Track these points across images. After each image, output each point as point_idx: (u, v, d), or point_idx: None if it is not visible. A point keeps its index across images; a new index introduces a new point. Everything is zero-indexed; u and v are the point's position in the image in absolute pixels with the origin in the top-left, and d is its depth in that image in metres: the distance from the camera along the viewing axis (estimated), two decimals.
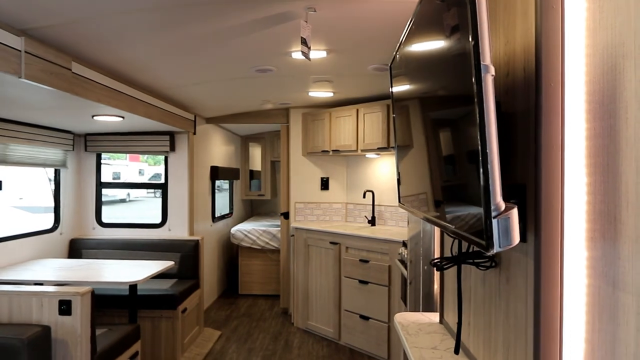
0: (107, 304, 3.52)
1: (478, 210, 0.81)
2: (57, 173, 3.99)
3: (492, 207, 0.76)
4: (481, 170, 0.76)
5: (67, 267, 3.32)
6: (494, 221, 0.76)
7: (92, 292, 2.33)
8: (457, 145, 1.06)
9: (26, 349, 2.02)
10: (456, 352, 1.24)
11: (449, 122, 1.16)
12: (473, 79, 0.78)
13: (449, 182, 1.16)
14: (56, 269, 3.23)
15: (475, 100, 0.77)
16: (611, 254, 0.81)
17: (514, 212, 0.80)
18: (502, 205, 0.79)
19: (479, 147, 0.76)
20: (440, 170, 1.21)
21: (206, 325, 4.46)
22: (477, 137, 0.78)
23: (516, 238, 0.80)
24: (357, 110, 4.12)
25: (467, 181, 0.96)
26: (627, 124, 0.77)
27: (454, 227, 0.98)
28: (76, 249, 4.08)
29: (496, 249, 0.77)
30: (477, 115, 0.76)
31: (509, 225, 0.79)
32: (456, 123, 1.03)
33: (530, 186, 0.98)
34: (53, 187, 4.04)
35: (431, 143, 1.29)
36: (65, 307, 2.23)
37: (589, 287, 0.89)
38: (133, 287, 3.22)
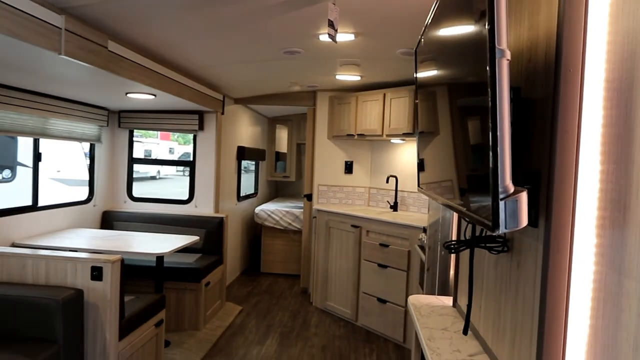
0: (134, 274, 3.70)
1: (485, 194, 0.83)
2: (92, 148, 4.17)
3: (500, 189, 0.78)
4: (490, 152, 0.78)
5: (100, 236, 3.49)
6: (501, 203, 0.78)
7: (122, 261, 2.46)
8: (473, 131, 1.07)
9: (61, 309, 2.17)
10: (465, 332, 1.27)
11: (470, 109, 1.17)
12: (487, 62, 0.79)
13: (466, 167, 1.17)
14: (89, 238, 3.40)
15: (489, 82, 0.78)
16: (619, 241, 0.82)
17: (523, 195, 0.82)
18: (511, 188, 0.81)
19: (490, 130, 0.78)
20: (458, 155, 1.22)
21: (228, 300, 4.62)
22: (489, 120, 0.79)
23: (524, 221, 0.82)
24: (384, 95, 4.10)
25: (479, 165, 0.97)
26: None
27: (465, 208, 1.00)
28: (108, 220, 4.28)
29: (502, 230, 0.79)
30: (490, 98, 0.77)
31: (517, 208, 0.80)
32: (475, 110, 1.05)
33: (545, 172, 0.99)
34: (88, 161, 4.22)
35: (453, 130, 1.30)
36: (96, 273, 2.36)
37: (596, 274, 0.90)
38: (160, 258, 3.37)
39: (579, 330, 0.93)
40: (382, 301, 3.82)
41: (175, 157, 23.41)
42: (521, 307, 1.11)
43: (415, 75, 1.83)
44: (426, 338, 1.42)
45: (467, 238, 1.27)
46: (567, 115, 0.93)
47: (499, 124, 0.78)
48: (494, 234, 1.16)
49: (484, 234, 1.25)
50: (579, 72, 0.93)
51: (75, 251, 2.93)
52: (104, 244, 3.23)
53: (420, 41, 1.65)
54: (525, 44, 1.14)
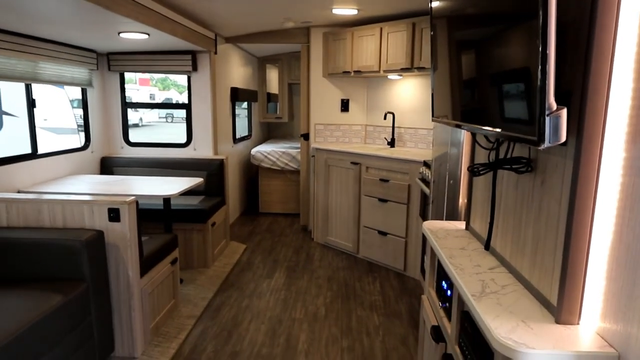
0: (143, 216, 3.76)
1: (529, 114, 0.88)
2: (84, 93, 4.06)
3: (547, 106, 0.84)
4: (539, 70, 0.83)
5: (103, 182, 3.51)
6: (547, 118, 0.84)
7: (137, 202, 2.50)
8: (513, 57, 1.10)
9: (85, 249, 2.24)
10: (487, 248, 1.38)
11: (503, 34, 1.20)
12: None
13: (491, 96, 1.22)
14: (93, 184, 3.42)
15: (540, 3, 0.81)
16: None
17: (564, 112, 0.88)
18: (555, 105, 0.86)
19: (540, 49, 0.82)
20: (487, 84, 1.26)
21: (231, 239, 4.76)
22: (537, 41, 0.83)
23: (564, 135, 0.89)
24: (381, 29, 4.02)
25: (518, 91, 1.02)
26: None
27: (500, 129, 1.06)
28: (107, 167, 4.27)
29: (546, 144, 0.85)
30: (541, 18, 0.81)
31: (559, 123, 0.86)
32: (512, 35, 1.07)
33: (577, 92, 1.04)
34: (77, 109, 4.13)
35: (480, 58, 1.33)
36: (114, 215, 2.42)
37: (622, 185, 0.98)
38: (167, 200, 3.43)
39: (603, 234, 1.03)
40: (383, 233, 4.00)
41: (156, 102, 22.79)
42: (545, 220, 1.21)
43: (430, 6, 1.81)
44: (447, 256, 1.54)
45: (491, 161, 1.34)
46: (604, 35, 0.96)
47: (549, 44, 0.82)
48: (520, 156, 1.23)
49: (507, 157, 1.33)
50: None
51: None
52: (110, 188, 3.25)
53: None
54: None
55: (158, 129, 18.68)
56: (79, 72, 3.84)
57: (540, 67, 0.83)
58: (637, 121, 0.94)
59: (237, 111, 5.63)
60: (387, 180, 3.88)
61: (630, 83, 0.96)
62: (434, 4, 1.77)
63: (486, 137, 1.53)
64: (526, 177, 1.32)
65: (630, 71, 0.96)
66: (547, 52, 0.82)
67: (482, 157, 1.71)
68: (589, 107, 1.00)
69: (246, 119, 6.39)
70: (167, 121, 22.14)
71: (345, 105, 4.81)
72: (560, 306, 1.09)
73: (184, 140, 4.52)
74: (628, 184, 0.96)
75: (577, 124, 1.03)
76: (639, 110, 0.93)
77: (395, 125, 4.50)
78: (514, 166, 1.27)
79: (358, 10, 3.83)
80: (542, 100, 0.84)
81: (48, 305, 1.98)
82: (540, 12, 0.81)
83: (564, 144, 1.10)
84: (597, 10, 0.96)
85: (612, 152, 1.00)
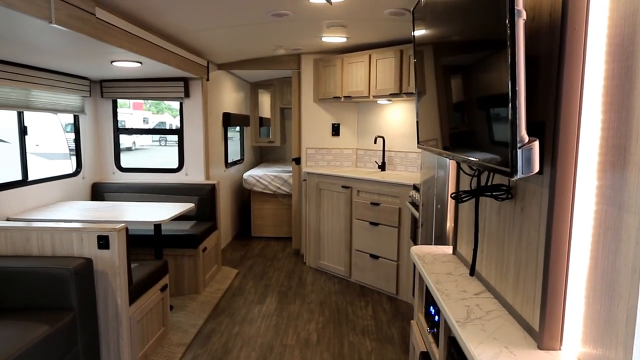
0: (133, 243, 3.73)
1: (504, 145, 0.92)
2: (76, 119, 4.09)
3: (518, 139, 0.87)
4: (510, 105, 0.87)
5: (94, 208, 3.50)
6: (519, 151, 0.87)
7: (127, 229, 2.50)
8: (486, 87, 1.15)
9: (73, 277, 2.22)
10: (471, 273, 1.40)
11: (477, 66, 1.25)
12: (507, 23, 0.86)
13: (470, 125, 1.26)
14: (84, 210, 3.41)
15: (508, 42, 0.85)
16: (619, 181, 0.93)
17: (536, 144, 0.92)
18: (526, 138, 0.90)
19: (509, 86, 0.86)
20: (464, 113, 1.31)
21: (223, 264, 4.73)
22: (507, 78, 0.87)
23: (536, 166, 0.92)
24: (370, 56, 4.12)
25: (493, 121, 1.06)
26: None
27: (479, 160, 1.09)
28: (98, 192, 4.26)
29: (519, 175, 0.88)
30: (509, 56, 0.85)
31: (531, 155, 0.90)
32: (486, 67, 1.12)
33: (549, 123, 1.09)
34: (69, 134, 4.15)
35: (457, 87, 1.38)
36: (103, 242, 2.41)
37: (596, 212, 1.01)
38: (158, 226, 3.42)
39: (580, 260, 1.06)
40: (375, 257, 4.00)
41: (149, 126, 22.85)
42: (525, 246, 1.23)
43: (413, 34, 1.88)
44: (434, 282, 1.55)
45: (473, 188, 1.37)
46: (572, 69, 1.01)
47: (517, 80, 0.86)
48: (500, 183, 1.26)
49: (488, 184, 1.36)
50: (583, 29, 1.01)
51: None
52: (100, 215, 3.25)
53: (419, 1, 1.69)
54: (528, 4, 1.21)
55: (151, 153, 18.68)
56: (72, 100, 3.87)
57: (510, 102, 0.87)
58: (607, 151, 0.98)
59: (230, 134, 5.67)
60: (378, 204, 3.91)
61: (599, 114, 1.01)
62: (417, 33, 1.83)
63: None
64: (507, 204, 1.35)
65: (599, 104, 1.00)
66: (517, 88, 0.86)
67: (467, 181, 1.75)
68: (561, 138, 1.04)
69: (238, 143, 6.44)
70: (160, 145, 22.17)
71: (336, 130, 4.88)
72: (542, 332, 1.10)
73: (177, 164, 4.54)
74: (601, 211, 1.00)
75: (552, 153, 1.07)
76: (608, 141, 0.97)
77: (386, 148, 4.56)
78: (494, 193, 1.30)
79: (347, 38, 3.93)
80: (513, 134, 0.87)
81: (33, 336, 1.96)
82: (509, 50, 0.86)
83: (540, 172, 1.14)
84: (565, 45, 1.01)
85: (585, 181, 1.04)
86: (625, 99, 0.91)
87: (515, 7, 0.85)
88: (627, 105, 0.91)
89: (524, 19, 0.88)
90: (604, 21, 0.99)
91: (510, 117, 0.87)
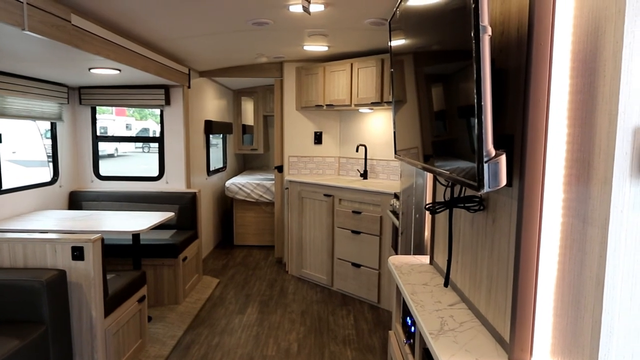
0: (111, 253, 3.67)
1: (472, 157, 0.93)
2: (53, 126, 4.01)
3: (484, 153, 0.88)
4: (476, 120, 0.87)
5: (71, 217, 3.43)
6: (485, 165, 0.88)
7: (102, 239, 2.45)
8: (453, 99, 1.16)
9: (45, 290, 2.16)
10: (445, 285, 1.40)
11: (448, 78, 1.26)
12: (472, 39, 0.87)
13: (441, 136, 1.27)
14: (60, 220, 3.33)
15: (473, 57, 0.86)
16: (583, 195, 0.94)
17: (503, 158, 0.93)
18: (493, 152, 0.91)
19: (475, 100, 0.87)
20: (434, 124, 1.32)
21: (204, 273, 4.67)
22: (473, 91, 0.88)
23: (503, 180, 0.93)
24: (352, 65, 4.14)
25: (462, 133, 1.07)
26: (604, 81, 0.88)
27: (449, 172, 1.10)
28: (76, 201, 4.18)
29: (486, 189, 0.89)
30: (475, 72, 0.86)
31: (498, 169, 0.91)
32: (455, 79, 1.13)
33: (518, 136, 1.10)
34: (47, 141, 4.06)
35: (429, 97, 1.39)
36: (77, 253, 2.35)
37: (563, 224, 1.03)
38: (136, 236, 3.36)
39: (548, 272, 1.07)
40: (357, 265, 4.00)
41: (133, 133, 22.56)
42: (497, 257, 1.24)
43: (389, 44, 1.89)
44: (409, 293, 1.55)
45: (446, 200, 1.38)
46: (539, 84, 1.03)
47: (483, 95, 0.87)
48: (473, 195, 1.28)
49: (461, 195, 1.37)
50: (549, 45, 1.02)
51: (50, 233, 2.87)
52: (77, 224, 3.18)
53: (395, 13, 1.71)
54: (498, 19, 1.23)
55: (134, 159, 18.43)
56: (49, 107, 3.80)
57: (476, 117, 0.88)
58: (572, 164, 0.99)
59: (213, 141, 5.63)
60: (359, 212, 3.91)
61: (565, 128, 1.02)
62: (393, 43, 1.85)
63: None
64: (480, 215, 1.36)
65: (565, 117, 1.02)
66: (482, 102, 0.87)
67: (443, 191, 1.76)
68: (529, 151, 1.05)
69: (221, 150, 6.39)
70: (143, 151, 21.89)
71: (318, 138, 4.88)
72: (512, 343, 1.11)
73: (157, 172, 4.48)
74: (567, 224, 1.01)
75: (520, 166, 1.08)
76: (573, 154, 0.99)
77: (368, 157, 4.57)
78: (467, 205, 1.31)
79: (328, 46, 3.95)
80: (479, 148, 0.88)
81: (3, 351, 1.89)
82: (474, 66, 0.87)
83: (510, 184, 1.15)
84: (532, 60, 1.03)
85: (552, 194, 1.05)
86: (588, 114, 0.93)
87: (480, 23, 0.86)
88: (589, 120, 0.93)
89: (489, 35, 0.89)
90: (568, 37, 1.01)
91: (476, 132, 0.88)
